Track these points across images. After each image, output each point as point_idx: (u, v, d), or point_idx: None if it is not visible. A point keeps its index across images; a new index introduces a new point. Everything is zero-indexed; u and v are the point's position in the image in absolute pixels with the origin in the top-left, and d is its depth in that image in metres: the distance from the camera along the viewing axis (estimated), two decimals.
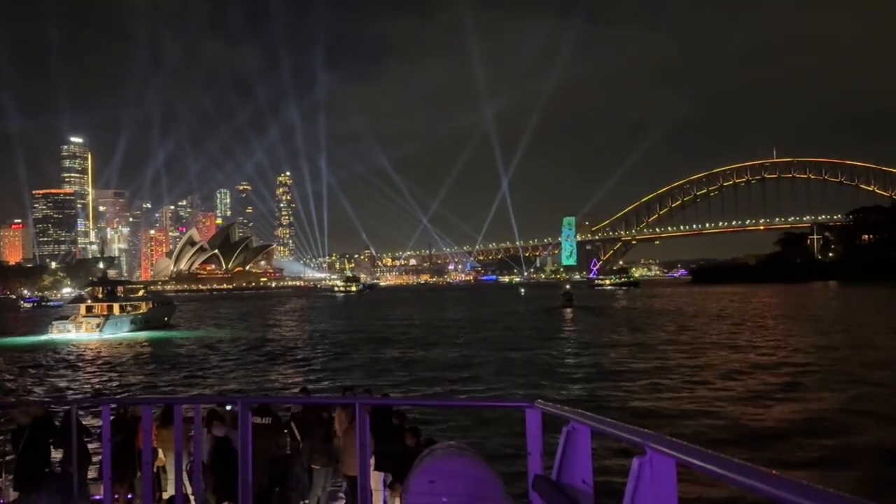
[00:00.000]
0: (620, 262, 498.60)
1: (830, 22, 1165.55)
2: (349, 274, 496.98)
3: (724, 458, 3.03)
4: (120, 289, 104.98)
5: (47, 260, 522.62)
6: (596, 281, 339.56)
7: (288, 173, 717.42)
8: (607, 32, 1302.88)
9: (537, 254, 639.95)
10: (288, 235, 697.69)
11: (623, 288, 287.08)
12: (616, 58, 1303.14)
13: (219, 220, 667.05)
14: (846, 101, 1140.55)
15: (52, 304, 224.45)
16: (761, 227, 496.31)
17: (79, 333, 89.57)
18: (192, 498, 10.83)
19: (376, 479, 12.33)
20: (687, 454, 3.38)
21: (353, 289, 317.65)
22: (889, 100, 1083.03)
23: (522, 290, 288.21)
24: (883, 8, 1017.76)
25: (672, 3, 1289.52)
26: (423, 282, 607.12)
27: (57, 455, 12.57)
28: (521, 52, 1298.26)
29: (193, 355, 64.06)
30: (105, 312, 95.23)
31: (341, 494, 13.00)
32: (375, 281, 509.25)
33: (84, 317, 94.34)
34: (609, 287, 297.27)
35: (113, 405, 12.36)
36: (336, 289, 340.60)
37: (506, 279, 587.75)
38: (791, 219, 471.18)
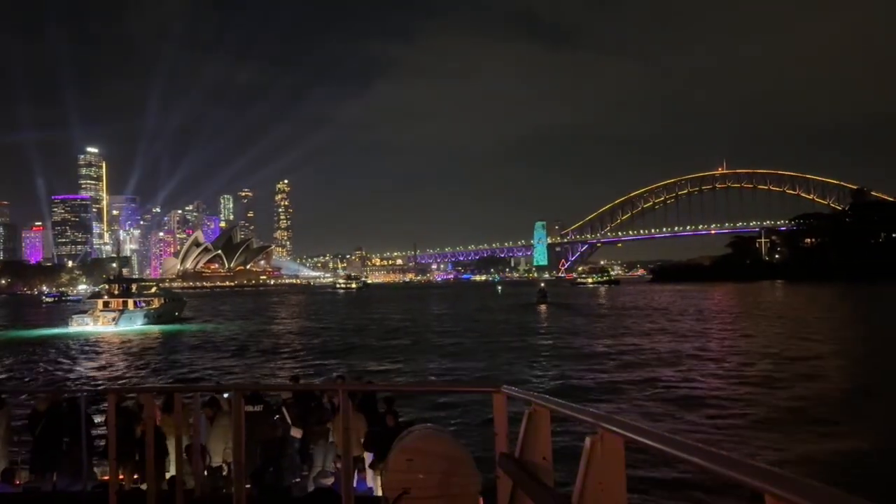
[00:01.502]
0: (601, 262, 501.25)
1: (774, 49, 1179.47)
2: (342, 272, 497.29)
3: (667, 436, 3.13)
4: (134, 286, 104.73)
5: (65, 259, 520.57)
6: (578, 279, 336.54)
7: (286, 181, 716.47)
8: (578, 56, 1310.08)
9: (511, 255, 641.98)
10: (286, 237, 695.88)
11: (604, 286, 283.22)
12: (586, 79, 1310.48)
13: (222, 224, 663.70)
14: (788, 118, 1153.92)
15: (71, 299, 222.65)
16: (713, 232, 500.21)
17: (96, 326, 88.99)
18: (192, 476, 10.89)
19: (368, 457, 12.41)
20: (634, 433, 3.48)
21: (354, 286, 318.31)
22: (823, 117, 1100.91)
23: (499, 287, 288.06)
24: (818, 38, 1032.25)
25: (637, 33, 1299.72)
26: (407, 280, 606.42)
27: (67, 440, 12.53)
28: (499, 73, 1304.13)
29: (200, 347, 63.73)
30: (120, 307, 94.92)
31: (332, 471, 12.95)
32: (365, 279, 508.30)
33: (101, 311, 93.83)
34: (591, 285, 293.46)
35: (120, 393, 12.37)
36: (338, 286, 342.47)
37: (477, 278, 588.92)
38: (739, 224, 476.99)
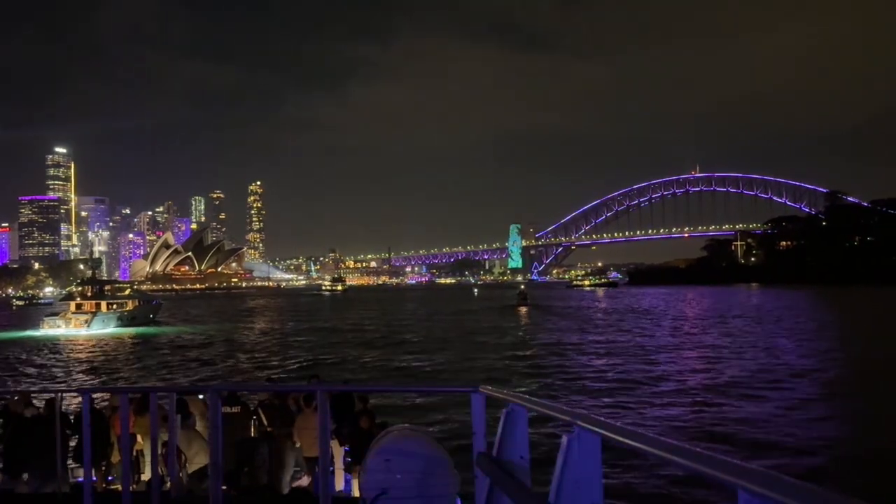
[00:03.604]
0: (604, 266, 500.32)
1: (747, 54, 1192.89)
2: (315, 275, 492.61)
3: (643, 434, 3.20)
4: (108, 288, 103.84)
5: (31, 261, 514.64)
6: (575, 282, 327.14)
7: (259, 182, 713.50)
8: (552, 59, 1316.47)
9: (486, 258, 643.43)
10: (258, 239, 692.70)
11: (602, 288, 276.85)
12: (559, 81, 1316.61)
13: (194, 225, 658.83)
14: (760, 122, 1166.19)
15: (42, 301, 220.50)
16: (686, 235, 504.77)
17: (68, 329, 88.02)
18: (167, 479, 10.97)
19: (338, 458, 12.53)
20: (610, 431, 3.55)
21: (339, 288, 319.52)
22: (796, 122, 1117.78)
23: (476, 290, 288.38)
24: (791, 44, 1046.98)
25: (611, 37, 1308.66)
26: (381, 282, 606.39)
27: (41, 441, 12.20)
28: (473, 75, 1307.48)
29: (174, 350, 63.43)
30: (93, 310, 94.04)
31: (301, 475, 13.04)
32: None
33: (73, 313, 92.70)
34: (588, 288, 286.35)
35: (94, 394, 12.22)
36: (324, 288, 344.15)
37: (444, 281, 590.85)
38: (712, 227, 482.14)
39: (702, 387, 34.28)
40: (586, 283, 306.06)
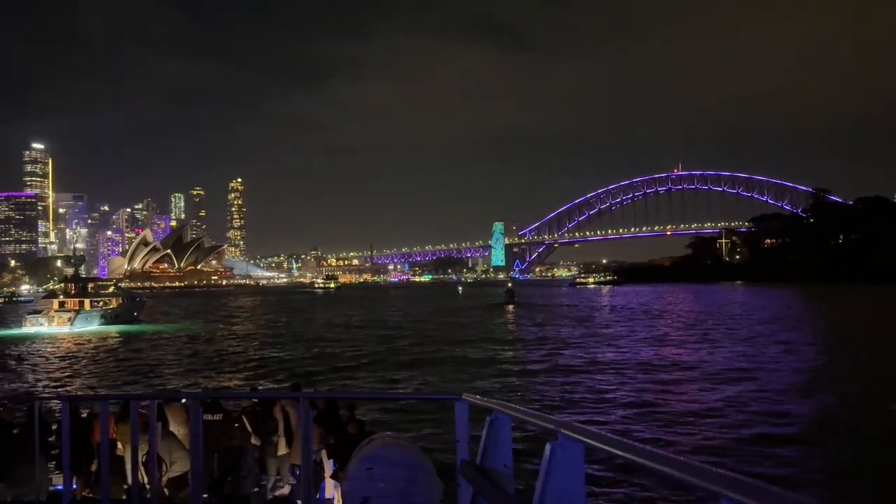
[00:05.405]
0: (601, 263, 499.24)
1: (729, 54, 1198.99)
2: (296, 273, 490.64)
3: (627, 442, 3.20)
4: (91, 285, 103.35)
5: (8, 258, 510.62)
6: (578, 280, 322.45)
7: (239, 179, 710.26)
8: (535, 57, 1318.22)
9: (469, 255, 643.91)
10: (239, 237, 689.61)
11: (606, 286, 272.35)
12: (542, 80, 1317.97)
13: (173, 223, 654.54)
14: (742, 122, 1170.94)
15: (21, 299, 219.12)
16: (668, 233, 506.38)
17: (51, 327, 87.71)
18: (147, 487, 10.82)
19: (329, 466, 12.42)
20: (594, 439, 3.59)
21: (332, 286, 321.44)
22: (778, 122, 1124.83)
23: (460, 288, 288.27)
24: (775, 46, 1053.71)
25: (594, 35, 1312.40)
26: (363, 280, 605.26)
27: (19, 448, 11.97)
28: (456, 74, 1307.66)
29: (158, 349, 63.19)
30: (76, 307, 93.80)
31: (290, 481, 12.89)
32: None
33: (56, 311, 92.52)
34: (592, 285, 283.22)
35: (75, 401, 12.27)
36: (316, 286, 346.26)
37: (420, 279, 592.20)
38: (694, 225, 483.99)
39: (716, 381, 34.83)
40: (590, 280, 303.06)
